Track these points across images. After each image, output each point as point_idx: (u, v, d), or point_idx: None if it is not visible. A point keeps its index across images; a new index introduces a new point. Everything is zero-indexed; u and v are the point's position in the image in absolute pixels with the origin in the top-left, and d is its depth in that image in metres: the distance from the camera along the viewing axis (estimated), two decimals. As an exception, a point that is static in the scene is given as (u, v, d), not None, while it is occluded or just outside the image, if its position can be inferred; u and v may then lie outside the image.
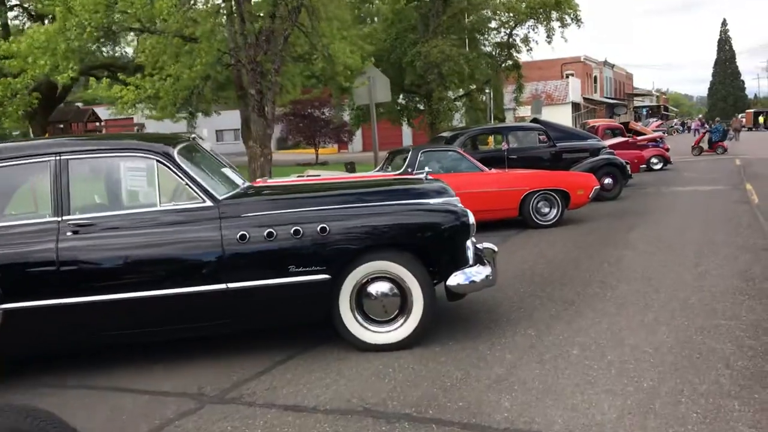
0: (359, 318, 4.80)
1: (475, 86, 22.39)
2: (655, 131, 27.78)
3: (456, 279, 4.80)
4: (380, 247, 4.75)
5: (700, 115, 64.42)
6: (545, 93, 54.09)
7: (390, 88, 15.39)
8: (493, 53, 21.88)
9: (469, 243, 4.94)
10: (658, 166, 21.52)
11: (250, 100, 13.16)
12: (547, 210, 10.67)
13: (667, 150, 22.53)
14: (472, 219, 4.87)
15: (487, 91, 22.25)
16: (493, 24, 22.12)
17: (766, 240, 8.36)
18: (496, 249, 5.59)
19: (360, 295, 4.79)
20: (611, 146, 17.74)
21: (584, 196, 10.80)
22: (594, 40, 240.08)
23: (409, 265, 4.74)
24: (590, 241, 9.10)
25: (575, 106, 55.91)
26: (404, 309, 4.80)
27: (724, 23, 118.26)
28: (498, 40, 22.45)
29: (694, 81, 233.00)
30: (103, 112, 32.53)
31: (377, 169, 11.36)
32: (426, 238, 4.79)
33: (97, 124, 34.75)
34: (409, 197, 5.02)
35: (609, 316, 5.41)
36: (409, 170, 10.20)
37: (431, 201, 4.99)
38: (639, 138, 22.09)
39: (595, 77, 68.68)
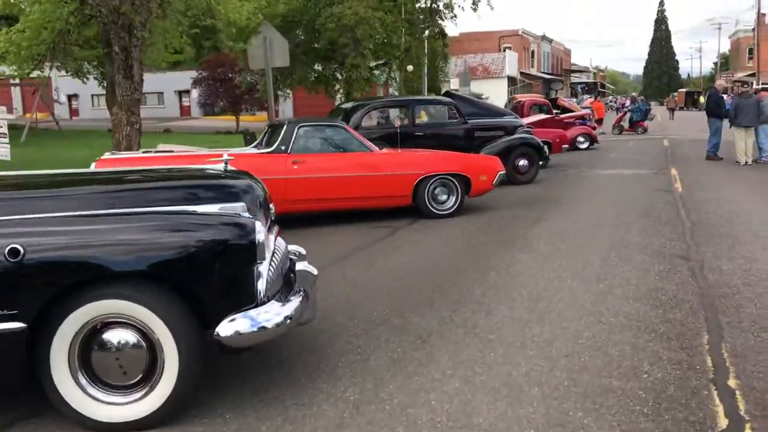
0: (84, 383, 3.19)
1: (397, 54, 20.74)
2: (585, 108, 26.83)
3: (232, 326, 3.22)
4: (113, 279, 3.14)
5: (633, 93, 64.53)
6: (482, 66, 52.96)
7: (288, 51, 13.59)
8: (414, 18, 20.20)
9: (262, 269, 3.37)
10: (585, 146, 20.48)
11: (115, 58, 11.21)
12: (444, 197, 9.22)
13: (594, 129, 21.50)
14: (260, 236, 3.30)
15: (400, 60, 20.63)
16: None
17: (683, 243, 7.11)
18: (315, 272, 4.01)
19: (87, 349, 3.19)
20: (534, 123, 16.52)
21: (487, 182, 9.40)
22: (532, 14, 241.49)
23: (157, 305, 3.15)
24: (484, 239, 7.69)
25: (511, 80, 54.95)
26: (153, 370, 3.22)
27: (661, 3, 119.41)
28: (421, 5, 20.80)
29: (632, 60, 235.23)
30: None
31: (253, 145, 9.67)
32: (183, 265, 3.18)
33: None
34: (164, 202, 3.41)
35: (467, 364, 3.96)
36: (282, 148, 8.57)
37: (201, 208, 3.38)
38: (565, 115, 20.95)
39: (533, 52, 67.97)
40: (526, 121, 15.95)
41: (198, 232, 3.21)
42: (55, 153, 18.79)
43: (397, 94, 24.75)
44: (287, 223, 9.02)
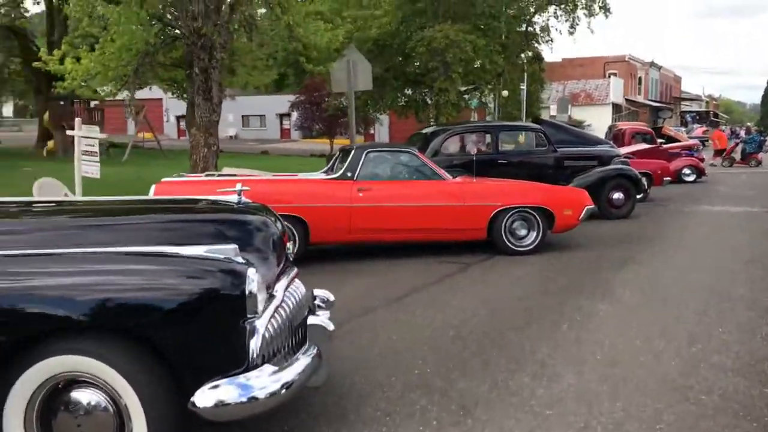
0: (41, 450, 2.72)
1: (489, 79, 20.02)
2: (693, 138, 25.04)
3: (214, 394, 2.66)
4: (78, 332, 2.66)
5: (749, 123, 60.53)
6: (584, 92, 51.23)
7: (372, 75, 13.23)
8: (509, 42, 19.41)
9: (257, 325, 2.81)
10: (691, 178, 18.93)
11: (195, 80, 11.17)
12: (523, 232, 8.44)
13: (702, 160, 19.89)
14: (252, 286, 2.73)
15: (492, 85, 19.85)
16: (512, 11, 19.65)
17: (802, 299, 6.04)
18: (330, 327, 3.39)
19: (46, 412, 2.72)
20: (634, 153, 15.39)
21: (573, 217, 8.54)
22: (641, 41, 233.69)
23: (123, 364, 2.64)
24: (563, 282, 6.86)
25: (616, 108, 52.84)
26: (120, 439, 2.71)
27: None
28: (518, 29, 19.97)
29: (749, 88, 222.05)
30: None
31: (323, 170, 9.24)
32: (154, 317, 2.66)
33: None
34: (141, 240, 2.91)
35: (513, 449, 3.24)
36: (348, 174, 8.08)
37: (185, 250, 2.84)
38: (670, 145, 19.50)
39: (640, 78, 65.21)
40: (625, 150, 14.85)
41: (173, 278, 2.69)
42: (142, 172, 19.19)
43: (490, 119, 24.00)
44: (347, 253, 8.56)
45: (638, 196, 12.11)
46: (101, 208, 3.60)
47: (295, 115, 42.53)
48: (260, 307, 2.80)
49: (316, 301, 3.85)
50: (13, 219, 3.18)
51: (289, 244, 3.65)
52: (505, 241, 8.32)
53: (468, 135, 11.59)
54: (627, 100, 56.64)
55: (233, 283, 2.71)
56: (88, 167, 15.50)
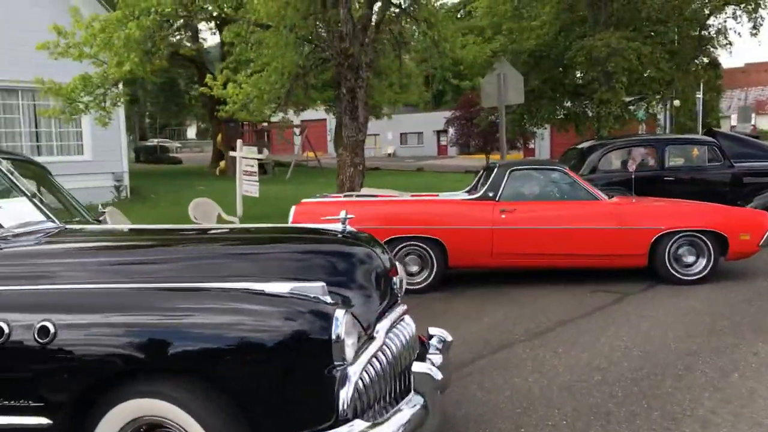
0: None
1: (657, 89, 18.54)
2: None
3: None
4: (157, 374, 2.49)
5: None
6: (757, 100, 46.69)
7: (526, 88, 12.67)
8: (678, 48, 17.83)
9: (350, 373, 2.48)
10: None
11: (342, 99, 11.22)
12: (691, 259, 7.50)
13: None
14: (340, 331, 2.41)
15: (661, 95, 18.28)
16: (683, 15, 18.06)
17: None
18: (437, 376, 2.94)
19: (129, 453, 2.56)
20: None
21: (751, 243, 7.46)
22: None
23: (203, 411, 2.42)
24: (737, 319, 5.92)
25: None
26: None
27: None
28: (692, 33, 18.32)
29: None
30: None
31: (467, 189, 8.82)
32: (231, 363, 2.41)
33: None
34: (224, 276, 2.66)
35: None
36: (490, 194, 7.61)
37: (270, 287, 2.56)
38: None
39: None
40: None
41: (251, 319, 2.42)
42: (301, 190, 19.80)
43: (659, 132, 22.31)
44: (488, 279, 8.02)
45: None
46: (182, 237, 3.41)
47: (451, 131, 42.50)
48: (350, 353, 2.47)
49: (433, 341, 3.46)
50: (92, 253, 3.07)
51: (397, 278, 3.28)
52: (669, 268, 7.43)
53: (629, 150, 10.66)
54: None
55: (318, 326, 2.40)
56: (248, 186, 16.20)
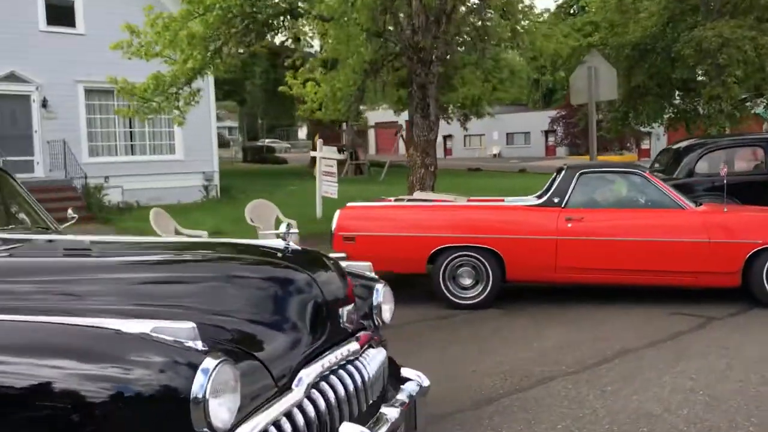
0: None
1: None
2: None
3: None
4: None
5: None
6: None
7: (630, 83, 11.61)
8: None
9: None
10: None
11: (414, 96, 10.60)
12: (795, 280, 6.35)
13: None
14: (205, 386, 1.81)
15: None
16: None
17: None
18: None
19: None
20: None
21: None
22: None
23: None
24: None
25: None
26: None
27: None
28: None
29: None
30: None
31: (538, 193, 7.94)
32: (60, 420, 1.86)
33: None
34: (82, 308, 2.12)
35: None
36: (555, 200, 6.77)
37: (129, 325, 1.97)
38: None
39: None
40: None
41: (73, 366, 1.85)
42: (389, 190, 19.31)
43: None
44: (548, 294, 7.11)
45: None
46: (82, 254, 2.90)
47: (559, 130, 40.82)
48: (223, 418, 1.86)
49: (407, 385, 2.80)
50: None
51: (351, 307, 2.63)
52: (766, 289, 6.32)
53: (733, 150, 9.39)
54: None
55: (174, 381, 1.82)
56: (327, 187, 15.88)
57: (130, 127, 18.16)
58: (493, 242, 6.65)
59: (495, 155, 54.19)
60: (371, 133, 50.21)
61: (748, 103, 17.23)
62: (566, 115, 33.03)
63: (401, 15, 10.14)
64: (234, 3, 9.81)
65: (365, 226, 6.88)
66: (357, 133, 32.28)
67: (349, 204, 7.23)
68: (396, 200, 7.63)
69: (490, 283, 6.70)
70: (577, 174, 6.79)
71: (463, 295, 6.77)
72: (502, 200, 7.83)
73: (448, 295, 6.76)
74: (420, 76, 10.17)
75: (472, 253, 6.71)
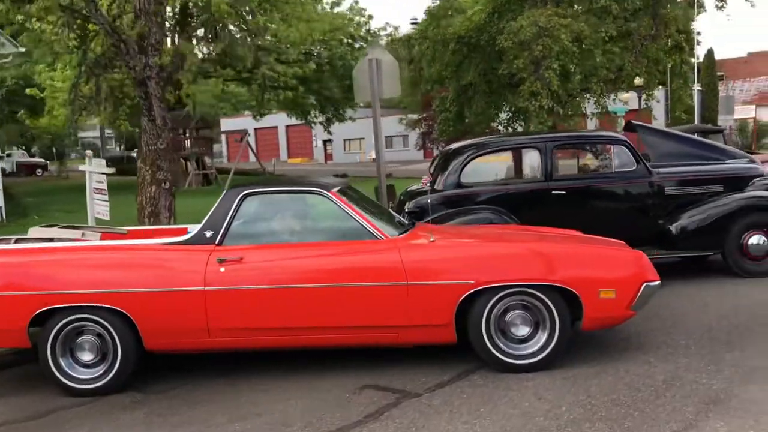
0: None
1: (611, 77, 15.65)
2: None
3: None
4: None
5: None
6: (760, 92, 43.81)
7: (399, 78, 9.93)
8: (634, 28, 14.85)
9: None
10: None
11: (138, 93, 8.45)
12: (524, 331, 4.69)
13: None
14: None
15: (612, 81, 15.30)
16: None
17: None
18: None
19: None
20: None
21: (619, 303, 4.65)
22: None
23: None
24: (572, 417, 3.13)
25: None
26: None
27: None
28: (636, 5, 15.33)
29: None
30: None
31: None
32: None
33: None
34: None
35: None
36: (207, 235, 4.81)
37: None
38: None
39: None
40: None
41: None
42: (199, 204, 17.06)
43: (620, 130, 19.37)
44: (204, 362, 4.79)
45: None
46: None
47: (413, 135, 39.62)
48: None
49: None
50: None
51: None
52: (489, 347, 4.63)
53: (504, 154, 7.83)
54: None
55: None
56: (99, 207, 13.33)
57: None
58: (119, 299, 4.64)
59: (373, 159, 52.78)
60: (223, 140, 47.66)
61: (578, 98, 16.11)
62: (427, 117, 31.69)
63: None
64: None
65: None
66: (203, 140, 29.82)
67: None
68: (17, 240, 5.43)
69: (119, 357, 4.69)
70: (239, 197, 4.87)
71: (83, 377, 4.74)
72: (186, 230, 5.79)
73: (61, 377, 4.73)
74: (135, 70, 8.04)
75: (92, 316, 4.69)
